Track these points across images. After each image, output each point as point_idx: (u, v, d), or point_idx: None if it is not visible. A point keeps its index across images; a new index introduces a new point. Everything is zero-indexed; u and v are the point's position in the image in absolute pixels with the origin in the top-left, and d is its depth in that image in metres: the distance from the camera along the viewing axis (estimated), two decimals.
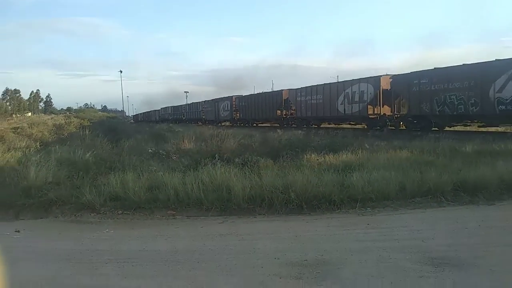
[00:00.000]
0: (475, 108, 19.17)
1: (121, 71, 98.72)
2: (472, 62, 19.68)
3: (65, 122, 40.59)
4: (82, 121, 50.97)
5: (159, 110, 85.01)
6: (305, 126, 32.07)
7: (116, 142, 16.74)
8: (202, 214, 7.33)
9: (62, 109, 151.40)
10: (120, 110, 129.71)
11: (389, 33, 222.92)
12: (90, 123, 48.13)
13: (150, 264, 4.88)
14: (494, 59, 18.76)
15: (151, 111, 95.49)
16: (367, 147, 12.96)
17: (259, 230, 6.24)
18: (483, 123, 20.36)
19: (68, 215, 7.65)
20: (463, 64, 20.05)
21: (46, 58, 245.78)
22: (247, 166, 9.48)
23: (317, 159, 10.60)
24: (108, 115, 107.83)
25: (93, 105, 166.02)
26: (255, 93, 44.06)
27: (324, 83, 31.94)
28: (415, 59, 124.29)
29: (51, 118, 66.66)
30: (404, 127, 24.47)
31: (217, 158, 10.19)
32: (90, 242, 5.96)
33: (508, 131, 19.57)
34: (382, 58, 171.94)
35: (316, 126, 31.85)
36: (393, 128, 24.53)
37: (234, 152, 11.68)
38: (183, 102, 74.56)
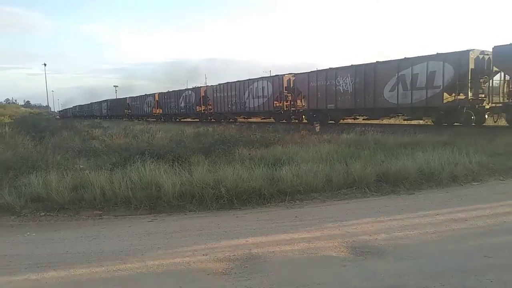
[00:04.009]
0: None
1: (45, 64, 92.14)
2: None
3: None
4: (2, 117, 47.88)
5: (71, 108, 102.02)
6: (136, 120, 48.73)
7: (40, 140, 15.89)
8: (130, 213, 7.16)
9: None
10: (45, 105, 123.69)
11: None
12: (12, 119, 45.30)
13: (74, 267, 4.66)
14: None
15: (67, 108, 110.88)
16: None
17: (188, 227, 6.18)
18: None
19: None
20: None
21: None
22: (178, 163, 9.37)
23: (249, 154, 10.69)
24: (32, 111, 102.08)
25: (15, 100, 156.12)
26: (125, 97, 62.98)
27: (140, 95, 55.27)
28: None
29: None
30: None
31: (147, 155, 9.95)
32: (9, 247, 5.63)
33: (428, 123, 20.87)
34: None
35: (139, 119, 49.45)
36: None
37: (165, 148, 11.45)
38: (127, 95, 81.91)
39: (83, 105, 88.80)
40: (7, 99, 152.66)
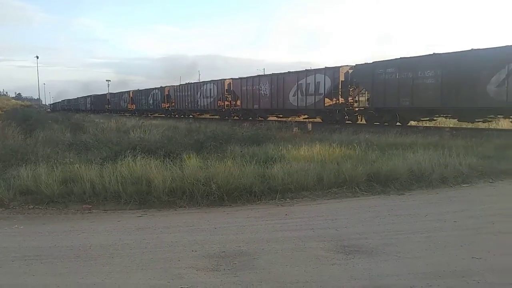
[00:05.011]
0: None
1: (37, 57, 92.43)
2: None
3: None
4: None
5: (60, 101, 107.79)
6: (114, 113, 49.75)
7: (30, 132, 15.75)
8: (120, 208, 7.12)
9: None
10: (36, 98, 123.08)
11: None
12: (2, 111, 44.92)
13: (62, 261, 4.65)
14: None
15: (56, 102, 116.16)
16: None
17: (178, 223, 6.16)
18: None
19: None
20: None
21: None
22: (169, 158, 9.32)
23: (241, 151, 10.67)
24: (23, 103, 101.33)
25: (6, 92, 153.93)
26: (105, 93, 69.85)
27: (118, 92, 62.31)
28: None
29: None
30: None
31: (138, 150, 9.89)
32: None
33: (419, 125, 21.06)
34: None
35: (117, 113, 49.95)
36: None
37: (156, 143, 11.40)
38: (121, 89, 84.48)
39: (71, 99, 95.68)
40: None
